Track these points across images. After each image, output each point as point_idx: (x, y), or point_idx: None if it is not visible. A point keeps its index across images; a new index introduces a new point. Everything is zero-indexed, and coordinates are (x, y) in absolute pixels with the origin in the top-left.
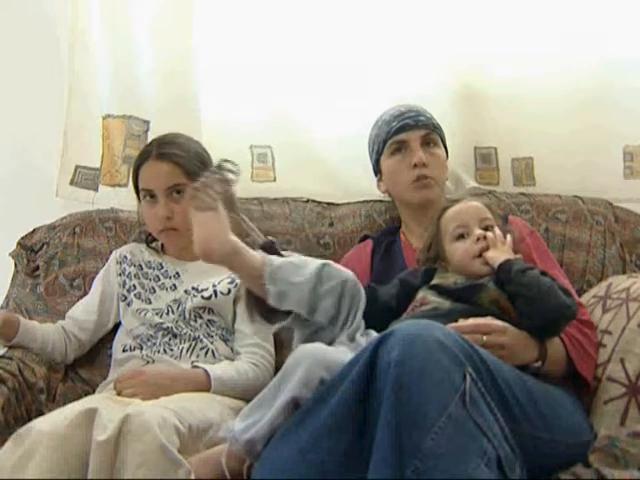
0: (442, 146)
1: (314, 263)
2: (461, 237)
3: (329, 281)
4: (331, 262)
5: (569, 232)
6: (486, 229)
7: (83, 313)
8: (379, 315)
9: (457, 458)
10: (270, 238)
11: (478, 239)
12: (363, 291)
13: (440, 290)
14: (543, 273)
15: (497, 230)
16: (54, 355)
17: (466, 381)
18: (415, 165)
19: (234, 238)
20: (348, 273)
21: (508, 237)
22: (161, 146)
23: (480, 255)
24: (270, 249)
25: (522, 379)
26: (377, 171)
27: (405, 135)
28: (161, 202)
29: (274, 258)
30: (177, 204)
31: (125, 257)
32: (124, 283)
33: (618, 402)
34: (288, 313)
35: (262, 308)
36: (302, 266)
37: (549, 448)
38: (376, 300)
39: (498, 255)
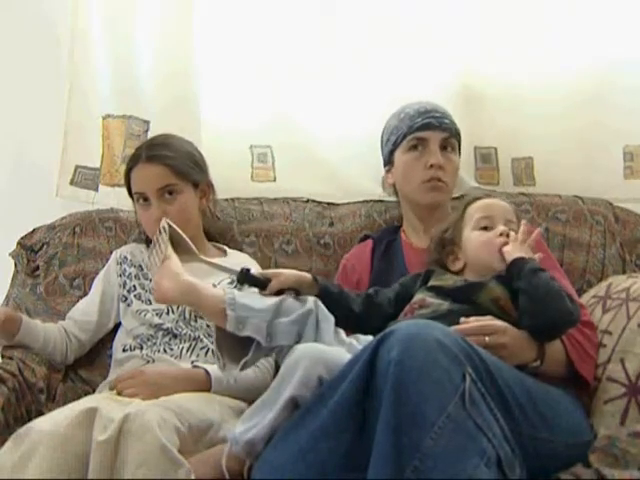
0: (458, 153)
1: (275, 298)
2: (484, 229)
3: (290, 313)
4: (290, 297)
5: (569, 232)
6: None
7: (84, 314)
8: (378, 321)
9: (456, 458)
10: (245, 267)
11: (501, 234)
12: (331, 316)
13: (439, 291)
14: (552, 279)
15: (520, 233)
16: (54, 355)
17: (466, 381)
18: (431, 166)
19: (190, 278)
20: (310, 304)
21: (532, 237)
22: (150, 148)
23: (499, 251)
24: (246, 278)
25: (522, 379)
26: (387, 162)
27: (427, 134)
28: (154, 204)
29: (235, 290)
30: (170, 205)
31: (125, 258)
32: (124, 284)
33: (618, 402)
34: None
35: (230, 349)
36: (263, 297)
37: (549, 448)
38: (375, 307)
39: (515, 251)
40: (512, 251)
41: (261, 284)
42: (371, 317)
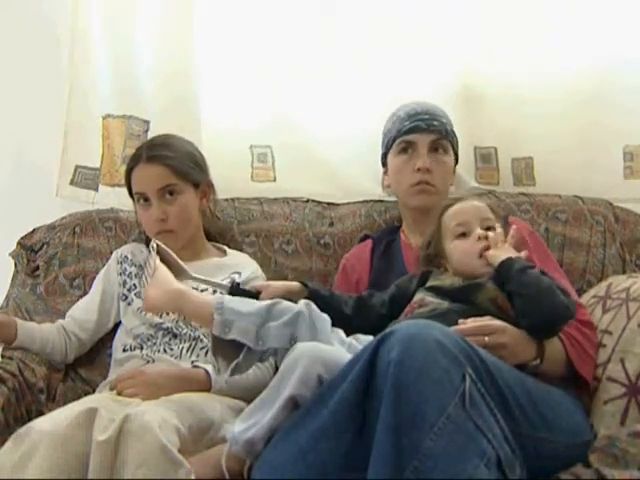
0: (452, 153)
1: (265, 302)
2: (462, 235)
3: (281, 316)
4: (282, 300)
5: (569, 232)
6: (487, 229)
7: (84, 312)
8: (370, 322)
9: (456, 458)
10: (236, 281)
11: (479, 238)
12: (325, 315)
13: (438, 291)
14: (543, 273)
15: (499, 229)
16: (54, 355)
17: (465, 382)
18: (419, 169)
19: (180, 286)
20: (300, 306)
21: (510, 234)
22: (151, 149)
23: (481, 255)
24: (236, 291)
25: (522, 380)
26: (383, 164)
27: (414, 137)
28: (154, 204)
29: (226, 296)
30: (170, 205)
31: (126, 257)
32: (124, 282)
33: (618, 402)
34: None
35: (226, 355)
36: (252, 302)
37: (549, 448)
38: (367, 309)
39: (499, 254)
40: (496, 254)
41: (251, 297)
42: (363, 319)
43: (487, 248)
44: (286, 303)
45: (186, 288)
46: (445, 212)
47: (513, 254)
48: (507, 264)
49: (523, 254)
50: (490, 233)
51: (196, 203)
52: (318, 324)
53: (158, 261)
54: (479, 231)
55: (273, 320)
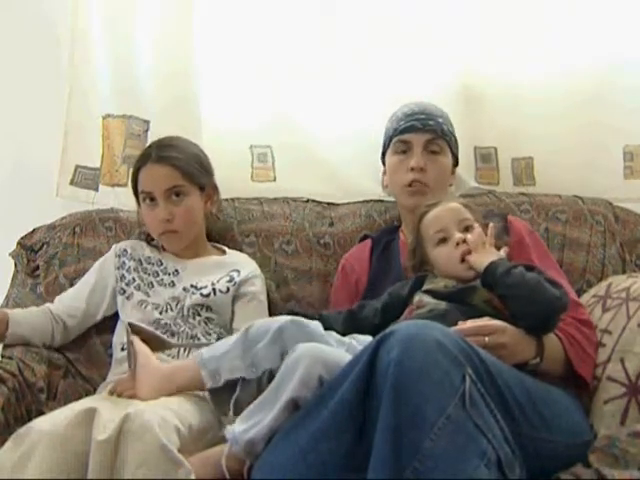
0: (449, 153)
1: (239, 332)
2: (442, 241)
3: (261, 338)
4: (255, 322)
5: (569, 232)
6: (467, 229)
7: (72, 300)
8: (362, 332)
9: (456, 458)
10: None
11: (458, 243)
12: (314, 322)
13: (434, 294)
14: (529, 268)
15: (477, 229)
16: (43, 339)
17: (465, 382)
18: (412, 168)
19: (164, 368)
20: (280, 319)
21: (489, 233)
22: (160, 149)
23: (464, 260)
24: None
25: (521, 380)
26: (383, 163)
27: (409, 136)
28: (161, 205)
29: (203, 348)
30: (176, 206)
31: (125, 251)
32: (122, 276)
33: (618, 402)
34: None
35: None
36: (226, 340)
37: (549, 448)
38: (358, 322)
39: (481, 259)
40: (478, 260)
41: None
42: (356, 332)
43: (468, 252)
44: (259, 322)
45: (169, 366)
46: (422, 220)
47: (495, 256)
48: (491, 269)
49: (503, 252)
50: (469, 236)
51: (201, 206)
52: (309, 329)
53: (137, 342)
54: (457, 236)
55: (255, 343)
